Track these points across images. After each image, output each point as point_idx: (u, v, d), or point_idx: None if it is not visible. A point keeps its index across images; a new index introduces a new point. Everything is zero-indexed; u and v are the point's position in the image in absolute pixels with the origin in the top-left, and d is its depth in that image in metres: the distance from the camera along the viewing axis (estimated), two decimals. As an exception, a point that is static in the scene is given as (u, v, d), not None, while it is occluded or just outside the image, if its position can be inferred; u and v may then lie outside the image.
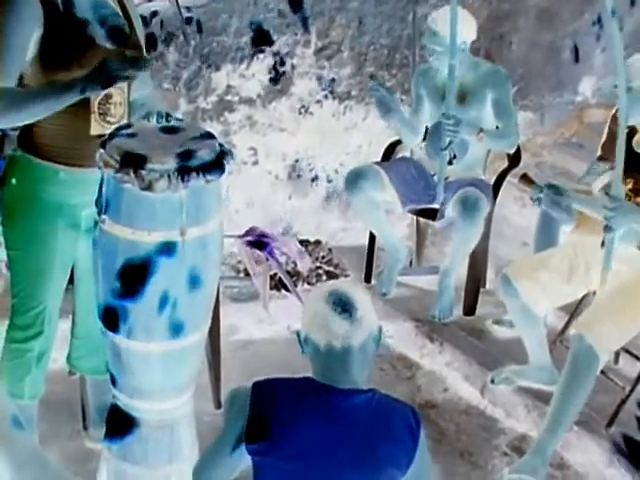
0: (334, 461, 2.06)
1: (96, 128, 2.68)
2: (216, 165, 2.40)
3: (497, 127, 4.05)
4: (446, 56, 3.85)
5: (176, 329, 2.51)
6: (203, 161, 2.37)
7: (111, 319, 2.52)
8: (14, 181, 2.77)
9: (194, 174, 2.34)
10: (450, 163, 4.02)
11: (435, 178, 4.11)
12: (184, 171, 2.33)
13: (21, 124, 2.69)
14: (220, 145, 2.49)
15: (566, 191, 3.47)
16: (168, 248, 2.40)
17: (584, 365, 3.05)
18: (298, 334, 2.14)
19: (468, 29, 3.96)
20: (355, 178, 4.09)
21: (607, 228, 3.07)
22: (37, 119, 2.63)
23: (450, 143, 3.92)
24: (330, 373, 2.09)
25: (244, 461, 2.16)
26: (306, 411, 2.08)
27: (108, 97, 2.69)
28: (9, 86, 2.57)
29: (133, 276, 2.42)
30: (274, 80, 4.64)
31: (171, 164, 2.33)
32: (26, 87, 2.65)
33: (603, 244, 3.15)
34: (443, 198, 4.05)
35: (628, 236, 3.15)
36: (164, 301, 2.45)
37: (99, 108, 2.68)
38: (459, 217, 3.93)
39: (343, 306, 2.05)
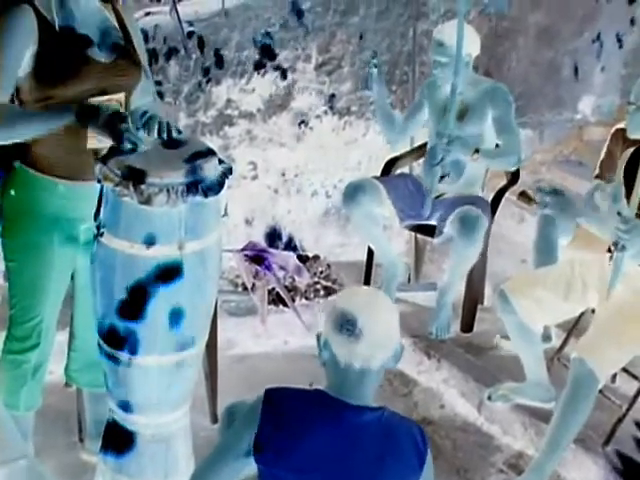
0: (341, 476, 2.06)
1: (93, 142, 2.66)
2: (216, 181, 2.41)
3: (497, 145, 4.02)
4: (451, 68, 3.82)
5: (175, 343, 2.51)
6: (204, 177, 2.38)
7: (110, 333, 2.51)
8: (13, 193, 2.77)
9: (193, 189, 2.34)
10: (441, 180, 4.00)
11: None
12: (184, 186, 2.33)
13: (10, 142, 2.68)
14: (220, 160, 2.49)
15: (574, 202, 3.40)
16: (167, 263, 2.40)
17: (584, 388, 3.04)
18: (318, 337, 2.13)
19: (473, 43, 3.95)
20: (353, 192, 4.05)
21: (618, 246, 3.02)
22: (26, 138, 2.63)
23: (442, 159, 3.90)
24: (344, 387, 2.09)
25: (247, 469, 2.15)
26: (317, 425, 2.07)
27: None
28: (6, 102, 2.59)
29: (134, 292, 2.42)
30: (274, 95, 4.65)
31: (171, 179, 2.34)
32: (23, 105, 2.67)
33: (611, 258, 3.13)
34: (441, 215, 4.02)
35: (638, 255, 3.12)
36: (163, 316, 2.45)
37: None
38: (458, 236, 3.91)
39: (369, 330, 2.04)
